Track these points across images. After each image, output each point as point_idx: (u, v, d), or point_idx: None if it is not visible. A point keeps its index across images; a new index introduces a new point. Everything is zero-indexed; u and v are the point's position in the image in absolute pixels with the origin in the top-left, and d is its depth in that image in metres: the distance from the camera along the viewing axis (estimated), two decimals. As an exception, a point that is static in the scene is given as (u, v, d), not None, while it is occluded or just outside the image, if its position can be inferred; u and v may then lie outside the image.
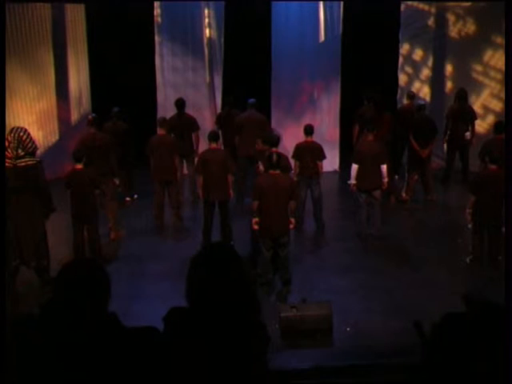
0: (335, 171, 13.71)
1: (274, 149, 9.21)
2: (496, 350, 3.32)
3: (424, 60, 13.90)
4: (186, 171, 11.92)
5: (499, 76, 13.05)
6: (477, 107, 13.10)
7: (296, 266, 8.78)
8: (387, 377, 6.06)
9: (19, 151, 7.70)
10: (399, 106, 13.54)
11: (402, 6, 13.61)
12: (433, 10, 13.72)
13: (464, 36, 13.60)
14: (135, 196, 12.12)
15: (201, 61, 13.59)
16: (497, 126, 10.44)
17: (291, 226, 8.43)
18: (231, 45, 13.43)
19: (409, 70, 13.97)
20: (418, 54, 13.89)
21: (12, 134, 7.74)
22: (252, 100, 11.83)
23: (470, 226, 8.91)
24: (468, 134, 12.37)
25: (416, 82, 13.95)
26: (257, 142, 10.08)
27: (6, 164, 7.70)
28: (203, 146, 11.02)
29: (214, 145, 9.65)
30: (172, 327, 3.01)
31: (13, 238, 7.93)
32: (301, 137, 10.66)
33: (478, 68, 13.52)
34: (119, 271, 8.22)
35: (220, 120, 12.50)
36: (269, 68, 13.41)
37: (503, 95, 11.17)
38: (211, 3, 13.42)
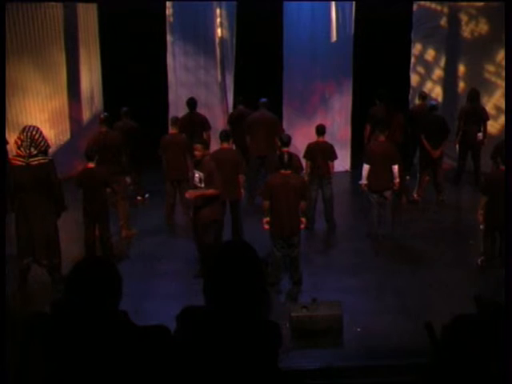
0: (346, 171, 13.70)
1: (285, 149, 9.22)
2: (505, 351, 3.31)
3: (436, 60, 13.85)
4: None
5: (512, 76, 12.99)
6: (489, 108, 13.05)
7: (306, 265, 8.77)
8: (398, 378, 6.05)
9: (32, 150, 7.72)
10: (411, 106, 13.50)
11: (415, 6, 13.57)
12: (445, 9, 13.68)
13: (476, 36, 13.55)
14: (146, 195, 12.15)
15: (212, 60, 13.61)
16: (509, 127, 10.41)
17: (302, 226, 8.42)
18: (243, 44, 13.44)
19: (421, 70, 13.93)
20: (430, 54, 13.85)
21: (24, 133, 7.77)
22: (263, 100, 11.84)
23: (481, 226, 8.87)
24: (480, 134, 12.33)
25: (428, 83, 13.91)
26: (274, 142, 10.25)
27: (19, 162, 7.74)
28: (215, 145, 11.03)
29: (225, 144, 9.63)
30: (185, 325, 3.02)
31: (25, 236, 7.97)
32: (312, 136, 10.65)
33: (491, 68, 13.47)
34: (130, 270, 8.24)
35: (232, 120, 12.52)
36: (280, 68, 13.41)
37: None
38: (223, 3, 13.44)
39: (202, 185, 8.38)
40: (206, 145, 8.65)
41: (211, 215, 8.46)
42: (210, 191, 8.32)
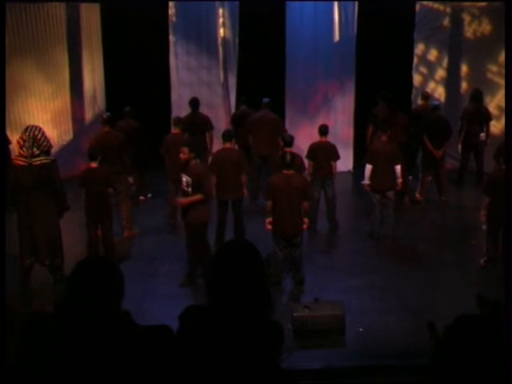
0: (349, 171, 13.69)
1: (288, 149, 9.22)
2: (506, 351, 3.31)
3: (439, 60, 13.84)
4: (199, 170, 11.93)
5: (515, 77, 12.98)
6: (492, 108, 13.04)
7: (309, 266, 8.76)
8: (400, 378, 6.05)
9: (34, 150, 7.73)
10: (413, 106, 13.49)
11: (417, 6, 13.55)
12: (448, 9, 13.67)
13: (479, 36, 13.54)
14: (149, 195, 12.16)
15: (215, 60, 13.61)
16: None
17: (304, 226, 8.42)
18: (245, 44, 13.43)
19: (423, 70, 13.93)
20: (432, 54, 13.84)
21: (27, 133, 7.78)
22: (266, 100, 11.83)
23: (484, 227, 8.86)
24: (483, 134, 12.33)
25: (431, 83, 13.90)
26: (277, 142, 10.33)
27: (21, 162, 7.75)
28: (217, 145, 11.03)
29: (227, 144, 9.65)
30: (187, 325, 3.01)
31: (27, 236, 7.98)
32: (315, 137, 10.65)
33: (494, 68, 13.46)
34: (132, 270, 8.24)
35: (234, 120, 12.52)
36: (283, 68, 13.41)
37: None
38: (226, 3, 13.44)
39: (190, 189, 8.19)
40: (194, 148, 8.31)
41: (198, 218, 8.29)
42: (199, 197, 8.14)
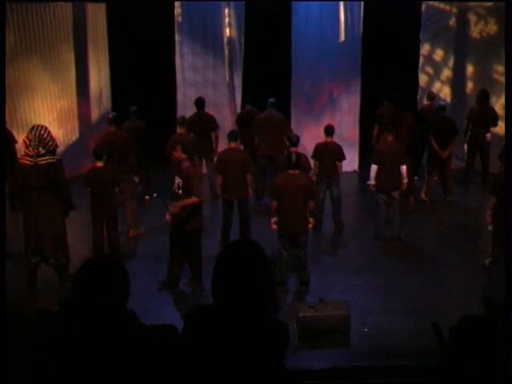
0: (354, 171, 13.68)
1: (293, 148, 9.22)
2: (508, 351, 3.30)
3: (445, 60, 13.82)
4: (205, 170, 11.96)
5: (521, 77, 12.95)
6: (498, 108, 12.99)
7: (314, 266, 8.77)
8: (404, 378, 6.05)
9: (40, 149, 7.74)
10: (419, 106, 13.47)
11: (423, 6, 13.54)
12: (454, 9, 13.64)
13: (485, 36, 13.51)
14: (154, 195, 12.16)
15: (221, 60, 13.62)
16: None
17: (310, 226, 8.42)
18: (251, 44, 13.43)
19: (429, 70, 13.90)
20: (438, 55, 13.82)
21: (33, 132, 7.79)
22: (272, 100, 11.83)
23: (490, 227, 8.85)
24: (489, 135, 12.31)
25: (436, 83, 13.88)
26: (282, 142, 10.36)
27: (27, 162, 7.76)
28: (222, 145, 11.04)
29: (233, 144, 9.66)
30: (193, 325, 3.02)
31: (33, 236, 7.99)
32: (320, 137, 10.65)
33: (500, 69, 13.42)
34: (138, 269, 8.23)
35: (239, 119, 12.53)
36: (289, 68, 13.40)
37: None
38: (231, 3, 13.44)
39: (180, 191, 8.04)
40: (187, 149, 8.18)
41: (197, 224, 8.18)
42: (192, 200, 7.96)
